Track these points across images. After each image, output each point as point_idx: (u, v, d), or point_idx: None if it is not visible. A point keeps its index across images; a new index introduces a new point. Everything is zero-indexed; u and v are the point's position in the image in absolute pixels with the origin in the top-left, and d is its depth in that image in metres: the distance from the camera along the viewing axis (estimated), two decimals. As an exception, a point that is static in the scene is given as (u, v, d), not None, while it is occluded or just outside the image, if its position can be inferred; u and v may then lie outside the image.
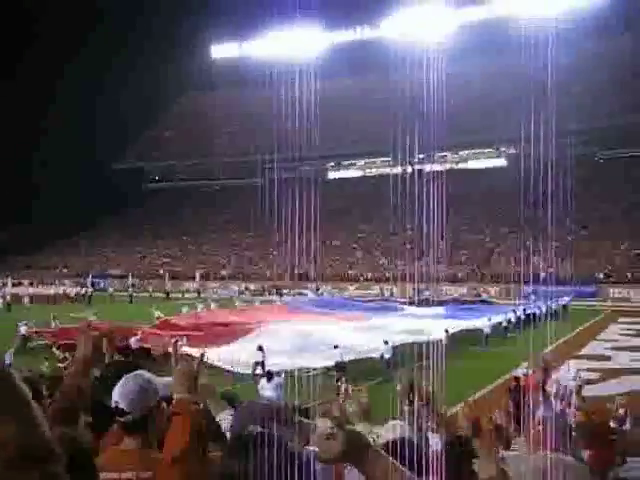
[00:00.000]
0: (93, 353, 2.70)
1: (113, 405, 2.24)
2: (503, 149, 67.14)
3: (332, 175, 76.68)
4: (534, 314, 26.94)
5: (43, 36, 78.81)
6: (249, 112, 75.00)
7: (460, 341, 22.02)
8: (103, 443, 2.48)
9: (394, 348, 18.71)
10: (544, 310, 26.99)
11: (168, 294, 47.00)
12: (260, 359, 17.51)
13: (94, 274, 56.28)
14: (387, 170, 64.65)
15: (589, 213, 50.09)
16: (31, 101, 77.51)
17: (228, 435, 2.60)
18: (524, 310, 28.07)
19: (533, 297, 30.55)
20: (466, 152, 70.12)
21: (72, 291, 47.43)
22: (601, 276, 44.29)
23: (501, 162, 67.29)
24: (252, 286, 52.05)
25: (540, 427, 3.39)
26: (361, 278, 51.69)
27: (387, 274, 48.37)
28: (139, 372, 2.38)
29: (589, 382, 14.64)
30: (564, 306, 30.79)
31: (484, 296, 41.56)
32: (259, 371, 16.54)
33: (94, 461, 2.02)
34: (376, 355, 19.09)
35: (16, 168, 75.30)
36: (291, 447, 1.80)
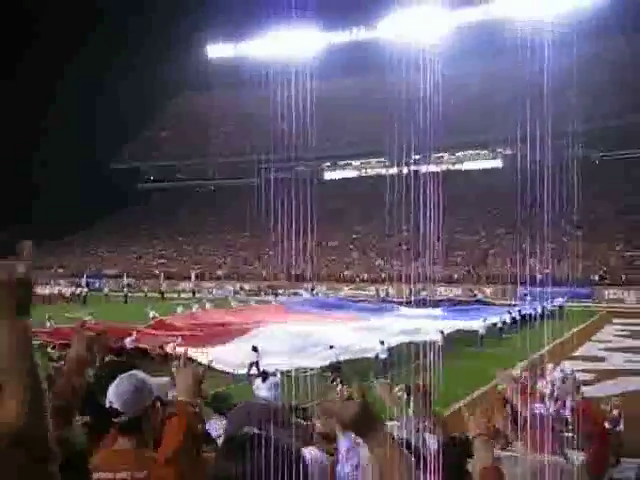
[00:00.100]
0: (87, 353, 2.70)
1: (107, 405, 2.23)
2: (500, 150, 67.23)
3: (328, 175, 76.67)
4: (529, 315, 27.01)
5: (43, 36, 78.67)
6: (245, 112, 74.93)
7: (455, 342, 22.05)
8: (103, 445, 2.46)
9: (390, 349, 18.74)
10: (539, 311, 27.07)
11: (163, 294, 46.93)
12: (255, 359, 17.52)
13: (89, 274, 56.14)
14: (383, 171, 64.81)
15: (584, 214, 50.21)
16: (31, 101, 77.34)
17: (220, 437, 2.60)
18: (519, 311, 28.15)
19: (528, 298, 30.63)
20: (462, 153, 70.18)
21: (67, 291, 47.32)
22: (596, 277, 44.40)
23: (497, 163, 67.41)
24: (247, 286, 51.99)
25: (535, 428, 3.39)
26: (357, 279, 51.67)
27: (383, 275, 48.40)
28: (133, 372, 2.38)
29: (584, 383, 14.66)
30: (559, 307, 30.85)
31: (479, 296, 41.63)
32: (254, 371, 16.53)
33: (88, 462, 2.01)
34: (372, 355, 19.10)
35: (16, 168, 75.09)
36: (287, 448, 1.79)
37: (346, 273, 53.52)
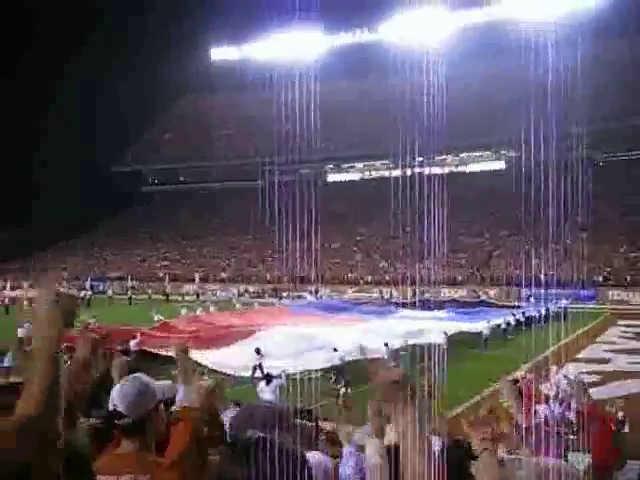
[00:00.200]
0: (91, 355, 2.70)
1: (111, 408, 2.24)
2: (503, 152, 67.17)
3: (331, 178, 76.71)
4: (533, 317, 26.96)
5: (43, 36, 78.93)
6: (248, 115, 75.02)
7: (459, 343, 22.01)
8: (107, 449, 2.46)
9: (394, 351, 18.72)
10: (543, 313, 27.01)
11: (167, 296, 46.99)
12: (258, 362, 17.50)
13: (93, 277, 56.22)
14: (386, 173, 64.70)
15: (588, 216, 50.07)
16: (31, 101, 77.58)
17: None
18: (523, 313, 28.08)
19: (532, 300, 30.56)
20: (466, 155, 70.17)
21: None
22: (600, 279, 44.28)
23: (500, 165, 67.33)
24: (251, 289, 52.01)
25: (539, 432, 3.38)
26: (361, 281, 51.64)
27: (387, 277, 48.37)
28: (137, 375, 2.38)
29: (589, 385, 14.60)
30: (563, 309, 30.77)
31: (484, 297, 41.54)
32: (258, 374, 16.53)
33: (91, 465, 2.01)
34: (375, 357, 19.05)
35: (16, 168, 75.28)
36: (291, 452, 1.79)
37: (350, 275, 53.49)
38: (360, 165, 76.34)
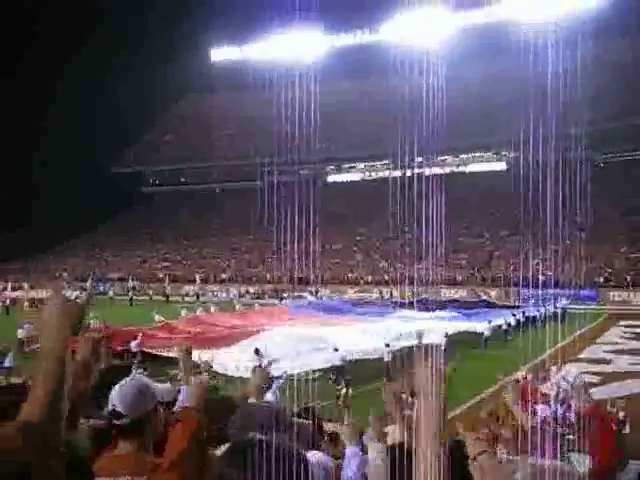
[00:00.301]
0: (92, 356, 2.69)
1: (110, 408, 2.24)
2: (503, 152, 67.14)
3: (332, 178, 76.70)
4: (534, 317, 26.93)
5: (43, 36, 78.98)
6: (249, 115, 75.02)
7: (460, 344, 22.00)
8: (105, 451, 2.45)
9: (394, 351, 18.72)
10: (544, 313, 26.99)
11: (168, 297, 46.97)
12: (257, 362, 17.49)
13: (94, 277, 56.18)
14: (387, 173, 64.69)
15: (588, 216, 50.06)
16: (31, 101, 77.61)
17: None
18: (524, 313, 28.07)
19: (533, 300, 30.55)
20: (466, 155, 70.16)
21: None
22: (601, 279, 44.25)
23: (501, 165, 67.31)
24: (252, 289, 51.99)
25: (540, 432, 3.37)
26: (361, 281, 51.62)
27: (387, 277, 48.35)
28: (137, 376, 2.38)
29: (590, 385, 14.59)
30: (564, 309, 30.76)
31: (484, 297, 41.54)
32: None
33: (90, 466, 2.01)
34: (376, 357, 19.08)
35: (16, 168, 75.31)
36: (292, 454, 1.79)
37: (350, 276, 53.47)
38: (360, 165, 76.34)
